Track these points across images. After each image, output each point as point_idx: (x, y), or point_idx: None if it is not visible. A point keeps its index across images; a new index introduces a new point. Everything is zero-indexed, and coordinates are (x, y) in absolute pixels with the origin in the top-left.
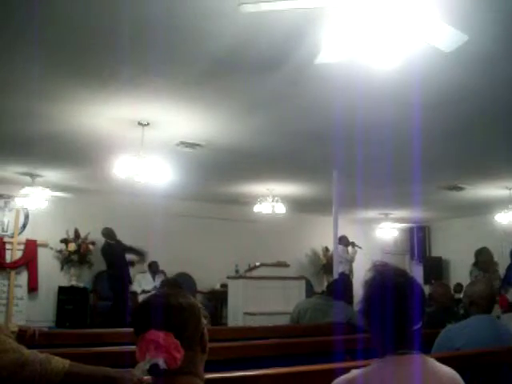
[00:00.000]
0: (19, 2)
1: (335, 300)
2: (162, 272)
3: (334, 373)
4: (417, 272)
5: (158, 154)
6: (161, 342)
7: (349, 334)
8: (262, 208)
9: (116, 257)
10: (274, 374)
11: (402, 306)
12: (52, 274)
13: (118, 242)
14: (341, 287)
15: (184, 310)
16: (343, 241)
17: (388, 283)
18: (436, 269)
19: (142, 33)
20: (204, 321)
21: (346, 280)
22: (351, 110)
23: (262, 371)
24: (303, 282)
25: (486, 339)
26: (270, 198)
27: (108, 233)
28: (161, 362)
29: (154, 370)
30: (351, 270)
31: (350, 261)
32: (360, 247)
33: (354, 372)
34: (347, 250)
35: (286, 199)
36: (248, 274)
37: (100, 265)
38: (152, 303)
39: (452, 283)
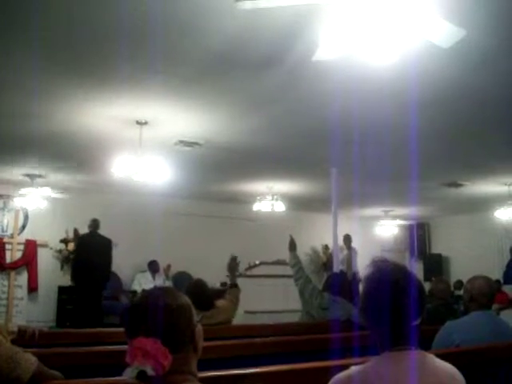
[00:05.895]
0: (18, 3)
1: (333, 296)
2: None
3: (333, 370)
4: (416, 269)
5: (157, 153)
6: (148, 350)
7: (349, 331)
8: (262, 206)
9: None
10: (274, 371)
11: (399, 301)
12: (52, 273)
13: (101, 237)
14: (338, 283)
15: (173, 311)
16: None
17: (385, 279)
18: (436, 266)
19: (140, 31)
20: (196, 319)
21: (342, 277)
22: (349, 107)
23: (262, 369)
24: None
25: (486, 335)
26: (270, 197)
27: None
28: (148, 369)
29: (141, 376)
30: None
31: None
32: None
33: (353, 369)
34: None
35: (285, 197)
36: (248, 273)
37: None
38: (141, 306)
39: (452, 280)
